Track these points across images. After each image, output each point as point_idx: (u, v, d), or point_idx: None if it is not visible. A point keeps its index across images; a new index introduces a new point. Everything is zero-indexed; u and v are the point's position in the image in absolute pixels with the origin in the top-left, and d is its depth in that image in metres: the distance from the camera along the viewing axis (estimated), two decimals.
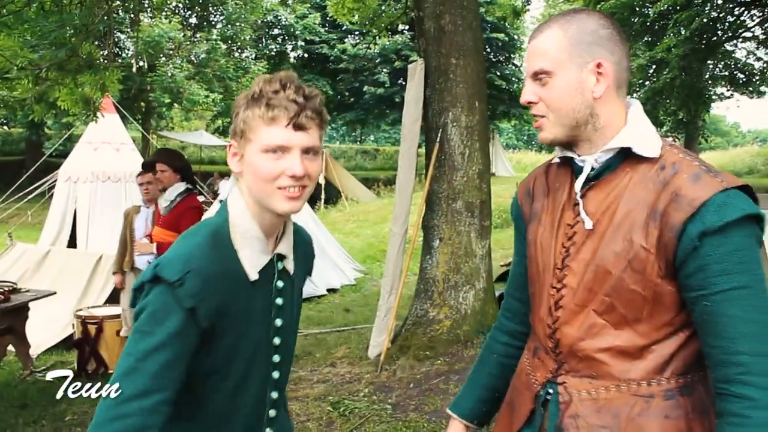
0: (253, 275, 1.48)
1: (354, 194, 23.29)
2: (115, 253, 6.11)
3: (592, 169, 1.46)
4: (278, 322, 1.57)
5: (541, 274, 1.56)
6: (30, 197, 13.07)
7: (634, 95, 23.46)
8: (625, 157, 1.43)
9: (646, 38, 20.67)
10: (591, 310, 1.44)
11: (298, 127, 1.41)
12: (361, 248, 13.49)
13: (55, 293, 6.43)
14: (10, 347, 6.25)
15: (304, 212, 9.91)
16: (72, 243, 10.07)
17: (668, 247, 1.34)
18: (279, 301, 1.56)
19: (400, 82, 31.70)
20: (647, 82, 21.14)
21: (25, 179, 13.20)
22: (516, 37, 32.60)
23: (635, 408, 1.40)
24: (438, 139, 5.84)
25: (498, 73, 31.06)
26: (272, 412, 1.61)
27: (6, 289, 5.81)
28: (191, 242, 1.44)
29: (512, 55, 33.25)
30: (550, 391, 1.52)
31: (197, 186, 7.01)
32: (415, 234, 6.15)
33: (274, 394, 1.60)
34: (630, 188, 1.41)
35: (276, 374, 1.59)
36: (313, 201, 21.83)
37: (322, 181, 21.84)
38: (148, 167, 5.58)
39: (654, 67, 20.17)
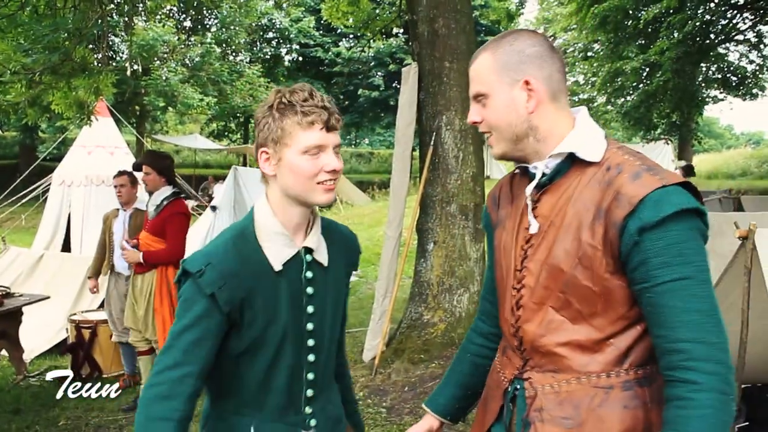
0: (278, 266, 1.69)
1: (349, 197, 23.28)
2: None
3: (544, 174, 1.56)
4: (310, 309, 1.75)
5: (504, 276, 1.67)
6: (24, 201, 13.05)
7: (628, 98, 23.57)
8: (574, 161, 1.53)
9: (639, 41, 20.74)
10: (549, 307, 1.53)
11: (330, 128, 1.64)
12: None
13: (48, 297, 6.41)
14: (3, 352, 6.25)
15: None
16: (66, 247, 10.04)
17: (613, 243, 1.42)
18: (309, 290, 1.75)
19: (394, 85, 31.75)
20: (641, 85, 21.19)
21: (19, 183, 13.19)
22: None
23: (595, 399, 1.47)
24: (432, 143, 5.85)
25: None
26: (310, 392, 1.78)
27: None
28: (215, 242, 1.70)
29: None
30: (518, 387, 1.61)
31: (185, 189, 6.97)
32: (409, 237, 6.16)
33: (311, 376, 1.77)
34: (578, 190, 1.50)
35: (311, 357, 1.77)
36: None
37: None
38: (136, 168, 5.59)
39: (647, 69, 20.23)
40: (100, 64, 6.69)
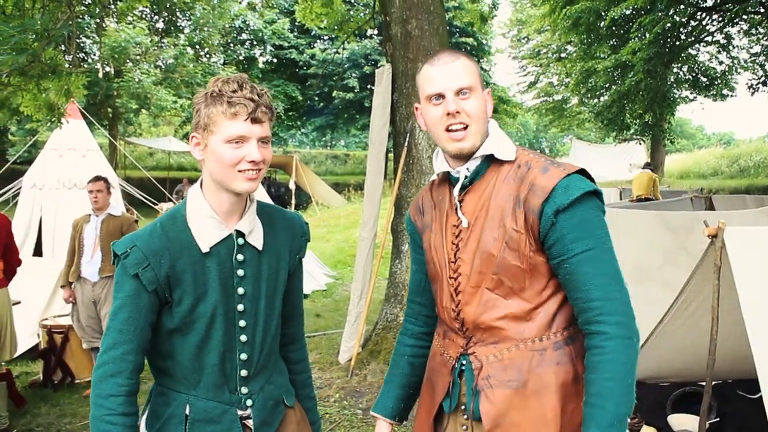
0: (205, 248, 1.77)
1: (324, 199, 23.26)
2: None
3: (466, 176, 1.81)
4: (240, 290, 1.82)
5: (439, 271, 1.89)
6: None
7: (601, 99, 23.78)
8: (490, 163, 1.80)
9: (611, 42, 20.95)
10: (484, 288, 1.77)
11: (255, 120, 1.70)
12: (332, 253, 13.46)
13: (19, 302, 6.31)
14: None
15: None
16: (37, 251, 9.90)
17: (533, 226, 1.69)
18: (240, 272, 1.82)
19: (369, 86, 31.71)
20: (613, 86, 21.40)
21: None
22: (485, 41, 32.84)
23: (533, 361, 1.73)
24: (406, 144, 5.86)
25: None
26: (244, 372, 1.85)
27: None
28: (146, 227, 1.79)
29: (480, 60, 33.45)
30: (464, 362, 1.84)
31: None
32: (384, 238, 6.16)
33: (243, 356, 1.84)
34: (497, 186, 1.77)
35: (243, 337, 1.84)
36: (283, 206, 21.73)
37: (292, 186, 21.78)
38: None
39: (619, 70, 20.44)
40: (70, 66, 6.62)
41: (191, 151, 1.79)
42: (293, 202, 21.74)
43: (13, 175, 13.16)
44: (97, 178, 5.71)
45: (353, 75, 31.98)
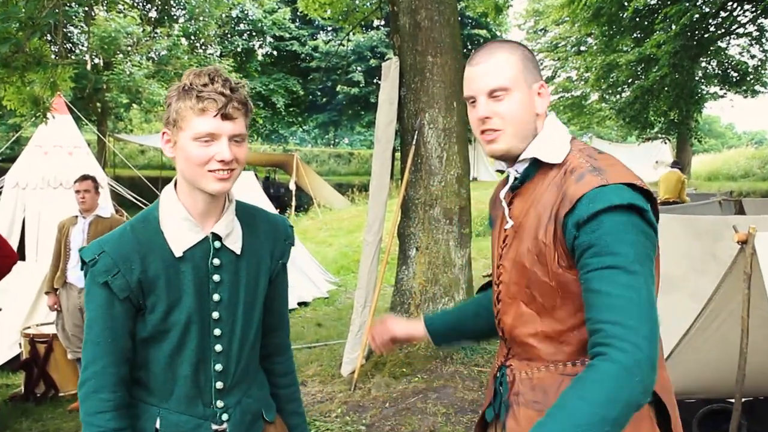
0: (178, 252, 1.77)
1: (327, 201, 23.26)
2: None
3: (516, 179, 1.80)
4: (216, 297, 1.82)
5: (493, 271, 1.90)
6: None
7: (623, 95, 23.74)
8: (540, 165, 1.75)
9: (634, 34, 20.91)
10: (520, 301, 1.76)
11: (226, 116, 1.68)
12: (334, 258, 13.46)
13: (0, 309, 6.33)
14: None
15: None
16: (20, 255, 9.93)
17: (561, 240, 1.64)
18: (216, 277, 1.81)
19: (375, 81, 31.73)
20: (636, 81, 21.35)
21: None
22: (498, 33, 32.83)
23: (562, 385, 1.66)
24: (414, 142, 5.85)
25: None
26: (219, 384, 1.85)
27: None
28: (116, 230, 1.79)
29: None
30: (503, 373, 1.86)
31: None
32: (390, 243, 6.15)
33: (218, 366, 1.84)
34: (540, 193, 1.72)
35: (218, 347, 1.84)
36: (283, 208, 21.77)
37: (292, 187, 21.80)
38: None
39: (643, 64, 20.40)
40: (57, 57, 6.64)
41: (162, 147, 1.78)
42: (293, 203, 21.78)
43: None
44: (85, 177, 5.72)
45: (358, 69, 32.01)
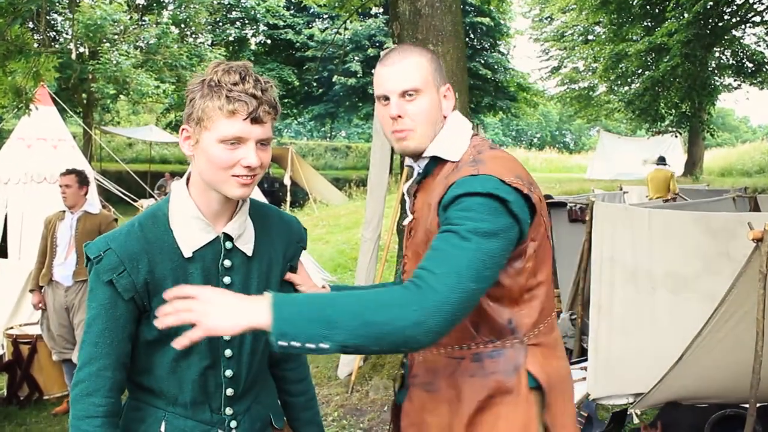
0: (187, 252, 1.76)
1: (323, 196, 23.25)
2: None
3: (419, 174, 2.00)
4: None
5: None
6: None
7: (632, 86, 23.73)
8: (438, 162, 1.94)
9: (645, 22, 20.90)
10: None
11: (255, 120, 1.65)
12: (331, 256, 13.45)
13: None
14: None
15: None
16: (2, 253, 9.93)
17: (439, 226, 1.79)
18: (227, 279, 1.81)
19: (373, 71, 31.67)
20: (646, 71, 21.35)
21: None
22: (502, 21, 32.78)
23: (449, 368, 1.89)
24: None
25: (482, 62, 31.22)
26: (230, 391, 1.85)
27: None
28: (123, 226, 1.77)
29: (498, 42, 33.42)
30: (406, 357, 2.09)
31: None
32: (389, 240, 6.15)
33: (229, 372, 1.84)
34: (434, 186, 1.90)
35: (228, 352, 1.83)
36: (278, 203, 21.74)
37: (287, 182, 21.79)
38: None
39: (654, 54, 20.39)
40: (39, 46, 6.63)
41: (180, 144, 1.76)
42: (288, 199, 21.76)
43: None
44: (68, 172, 5.69)
45: (356, 58, 31.95)
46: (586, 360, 5.70)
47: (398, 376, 2.13)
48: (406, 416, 2.00)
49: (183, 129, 1.73)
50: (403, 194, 2.18)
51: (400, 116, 1.91)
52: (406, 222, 2.08)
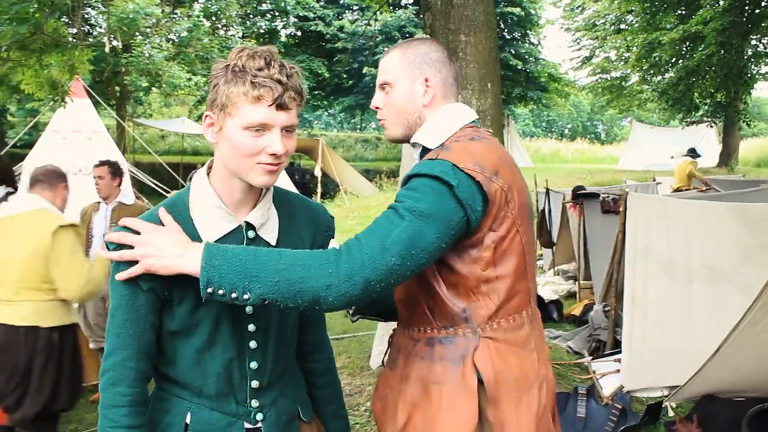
0: (209, 241, 1.72)
1: (353, 187, 23.30)
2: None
3: (416, 161, 2.04)
4: None
5: None
6: None
7: (666, 75, 23.41)
8: (427, 149, 2.00)
9: (678, 10, 20.60)
10: None
11: (281, 106, 1.64)
12: None
13: None
14: None
15: None
16: None
17: None
18: None
19: None
20: (680, 60, 21.05)
21: None
22: (533, 11, 32.54)
23: (407, 348, 1.99)
24: None
25: (513, 52, 31.06)
26: (255, 383, 1.84)
27: None
28: (142, 216, 1.74)
29: (528, 32, 33.18)
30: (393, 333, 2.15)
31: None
32: None
33: (254, 364, 1.83)
34: None
35: (253, 344, 1.82)
36: (308, 195, 21.79)
37: (318, 173, 21.85)
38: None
39: (688, 42, 20.10)
40: (75, 39, 6.70)
41: (204, 132, 1.74)
42: (319, 190, 21.83)
43: (12, 159, 13.39)
44: (102, 163, 5.75)
45: (386, 49, 31.86)
46: (619, 352, 5.65)
47: (385, 355, 2.20)
48: (376, 390, 2.12)
49: (206, 115, 1.71)
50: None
51: (377, 107, 2.10)
52: None
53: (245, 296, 1.60)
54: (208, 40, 25.59)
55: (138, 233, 1.66)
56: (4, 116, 30.42)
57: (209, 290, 1.60)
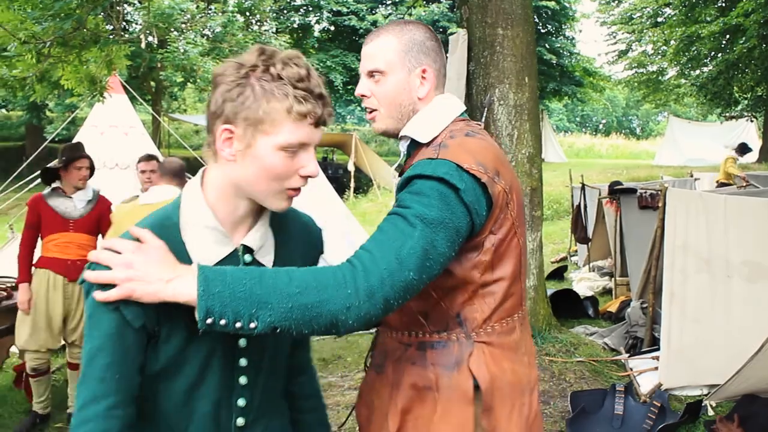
0: None
1: (387, 182, 23.26)
2: None
3: (403, 155, 1.98)
4: None
5: None
6: (31, 186, 13.29)
7: (704, 69, 23.06)
8: (417, 143, 1.91)
9: (718, 2, 20.28)
10: None
11: (320, 124, 1.50)
12: None
13: None
14: (14, 348, 6.37)
15: (336, 203, 9.95)
16: None
17: None
18: None
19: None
20: (720, 54, 20.73)
21: (26, 167, 13.43)
22: (568, 5, 32.24)
23: (396, 352, 1.89)
24: (483, 119, 5.80)
25: (547, 46, 30.75)
26: (240, 421, 1.65)
27: (8, 285, 5.87)
28: (126, 235, 1.50)
29: (563, 26, 32.88)
30: (376, 337, 2.05)
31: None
32: None
33: (241, 402, 1.64)
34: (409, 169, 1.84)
35: (243, 380, 1.62)
36: (342, 190, 21.89)
37: (351, 168, 21.88)
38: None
39: (728, 36, 19.77)
40: (113, 35, 6.77)
41: (215, 145, 1.50)
42: (352, 185, 21.86)
43: (51, 154, 13.59)
44: (150, 157, 5.82)
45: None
46: (657, 349, 5.60)
47: (367, 357, 2.10)
48: (360, 396, 2.02)
49: (225, 129, 1.47)
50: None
51: (364, 95, 1.94)
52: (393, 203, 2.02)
53: (251, 325, 1.42)
54: (242, 35, 25.79)
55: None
56: (44, 111, 30.94)
57: (209, 321, 1.40)
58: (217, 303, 1.40)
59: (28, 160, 13.90)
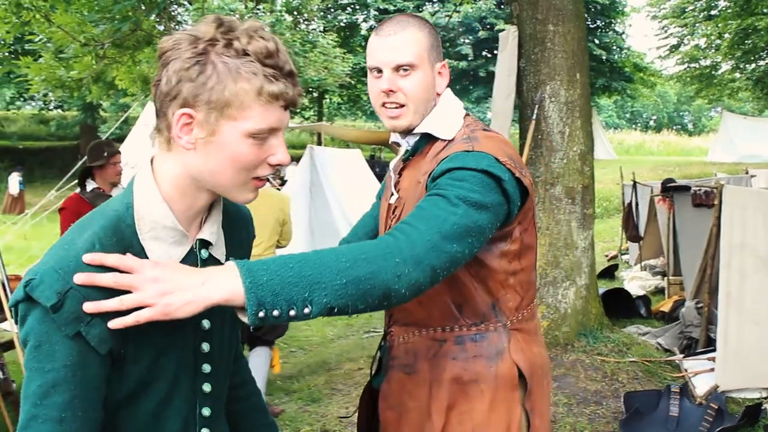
0: None
1: None
2: None
3: (407, 151, 1.96)
4: (206, 324, 1.43)
5: None
6: None
7: (760, 63, 22.55)
8: (431, 139, 1.89)
9: None
10: None
11: (290, 105, 1.33)
12: None
13: None
14: None
15: None
16: None
17: None
18: None
19: (484, 54, 31.40)
20: None
21: (81, 165, 13.74)
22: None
23: (431, 350, 1.86)
24: (534, 117, 5.75)
25: (596, 42, 30.40)
26: (205, 431, 1.49)
27: None
28: (75, 245, 1.25)
29: (613, 21, 32.44)
30: (385, 339, 2.02)
31: None
32: None
33: (206, 411, 1.47)
34: (424, 164, 1.86)
35: (207, 387, 1.46)
36: None
37: None
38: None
39: None
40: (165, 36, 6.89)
41: (170, 132, 1.31)
42: None
43: None
44: None
45: (466, 41, 31.74)
46: (713, 350, 5.48)
47: (376, 358, 2.09)
48: (385, 399, 1.96)
49: (184, 114, 1.27)
50: (387, 171, 2.09)
51: (392, 91, 1.85)
52: (392, 200, 1.99)
53: (306, 310, 1.31)
54: (290, 34, 25.96)
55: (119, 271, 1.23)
56: (98, 111, 31.57)
57: (261, 315, 1.26)
58: (268, 293, 1.27)
59: (83, 159, 14.20)
